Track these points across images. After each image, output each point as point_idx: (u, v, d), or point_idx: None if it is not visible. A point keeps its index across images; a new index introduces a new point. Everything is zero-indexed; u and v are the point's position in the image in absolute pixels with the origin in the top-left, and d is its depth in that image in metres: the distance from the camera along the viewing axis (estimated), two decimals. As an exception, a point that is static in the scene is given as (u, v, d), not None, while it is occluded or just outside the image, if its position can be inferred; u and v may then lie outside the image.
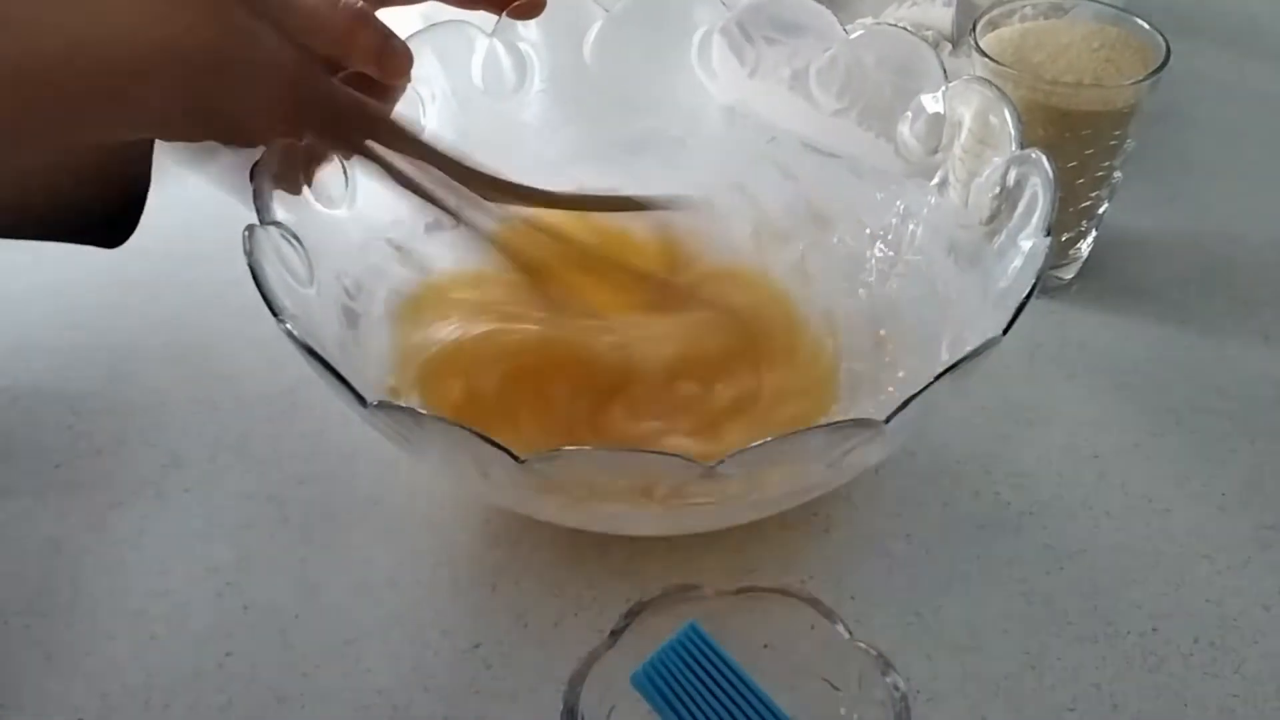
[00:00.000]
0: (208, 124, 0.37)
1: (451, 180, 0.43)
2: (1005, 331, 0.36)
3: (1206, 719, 0.38)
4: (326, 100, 0.39)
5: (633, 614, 0.35)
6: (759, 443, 0.33)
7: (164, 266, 0.56)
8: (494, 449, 0.33)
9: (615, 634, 0.34)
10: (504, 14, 0.47)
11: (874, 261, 0.50)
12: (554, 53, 0.52)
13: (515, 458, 0.33)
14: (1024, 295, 0.37)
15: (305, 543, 0.44)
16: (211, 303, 0.54)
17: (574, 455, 0.34)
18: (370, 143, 0.42)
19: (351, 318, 0.43)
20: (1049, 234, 0.39)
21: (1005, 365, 0.51)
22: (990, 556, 0.43)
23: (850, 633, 0.34)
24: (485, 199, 0.44)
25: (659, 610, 0.35)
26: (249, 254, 0.36)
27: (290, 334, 0.34)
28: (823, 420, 0.44)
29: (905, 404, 0.34)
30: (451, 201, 0.44)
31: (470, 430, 0.32)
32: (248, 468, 0.47)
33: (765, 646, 0.35)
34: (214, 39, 0.34)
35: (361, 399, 0.34)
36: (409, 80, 0.44)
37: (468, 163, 0.44)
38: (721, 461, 0.33)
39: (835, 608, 0.36)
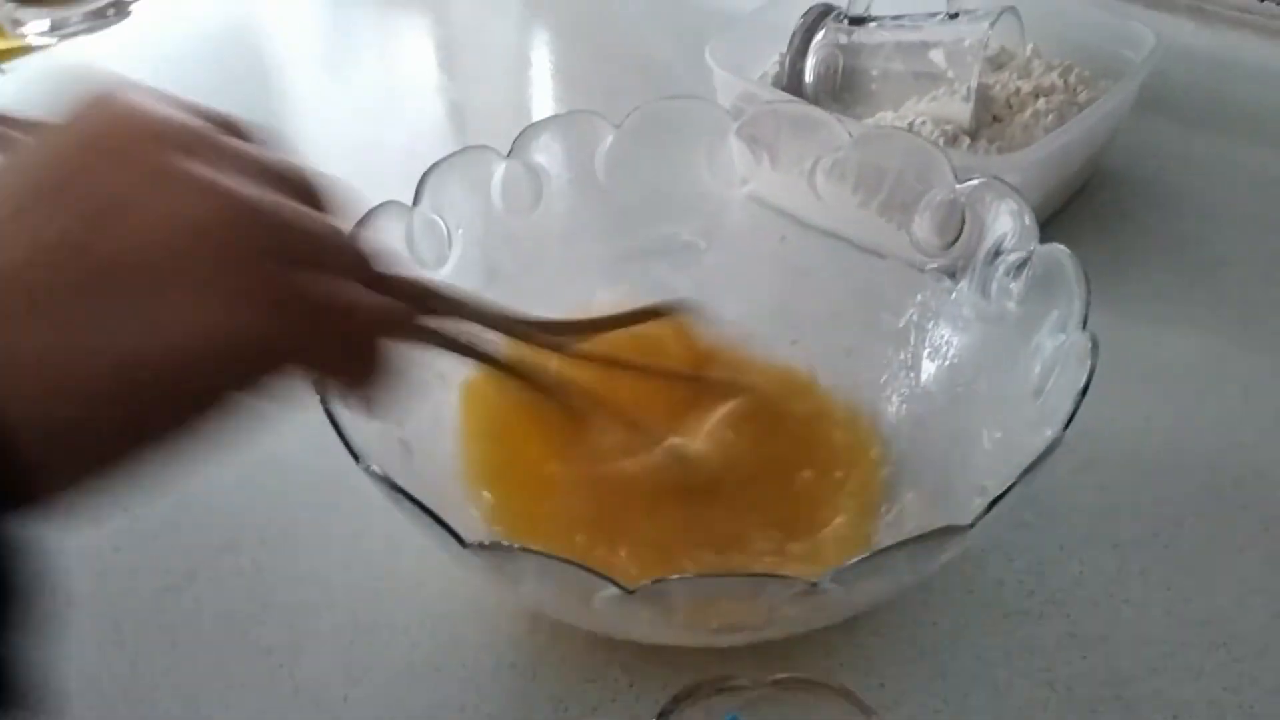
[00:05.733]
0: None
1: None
2: (1065, 427, 0.38)
3: (1227, 809, 0.39)
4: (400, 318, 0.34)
5: (669, 709, 0.36)
6: (858, 558, 0.35)
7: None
8: (599, 579, 0.34)
9: (655, 727, 0.36)
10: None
11: (895, 357, 0.52)
12: (568, 169, 0.54)
13: (623, 589, 0.34)
14: (1079, 390, 0.39)
15: (352, 626, 0.46)
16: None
17: (680, 584, 0.35)
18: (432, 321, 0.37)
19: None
20: (1086, 327, 0.41)
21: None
22: (1014, 644, 0.45)
23: (882, 726, 0.36)
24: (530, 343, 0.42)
25: (696, 702, 0.36)
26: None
27: (384, 480, 0.36)
28: (874, 519, 0.47)
29: (989, 508, 0.36)
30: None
31: (574, 563, 0.34)
32: (296, 551, 0.49)
33: (799, 737, 0.37)
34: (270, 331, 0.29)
35: (460, 539, 0.35)
36: None
37: (509, 311, 0.41)
38: (823, 578, 0.35)
39: (863, 694, 0.37)
